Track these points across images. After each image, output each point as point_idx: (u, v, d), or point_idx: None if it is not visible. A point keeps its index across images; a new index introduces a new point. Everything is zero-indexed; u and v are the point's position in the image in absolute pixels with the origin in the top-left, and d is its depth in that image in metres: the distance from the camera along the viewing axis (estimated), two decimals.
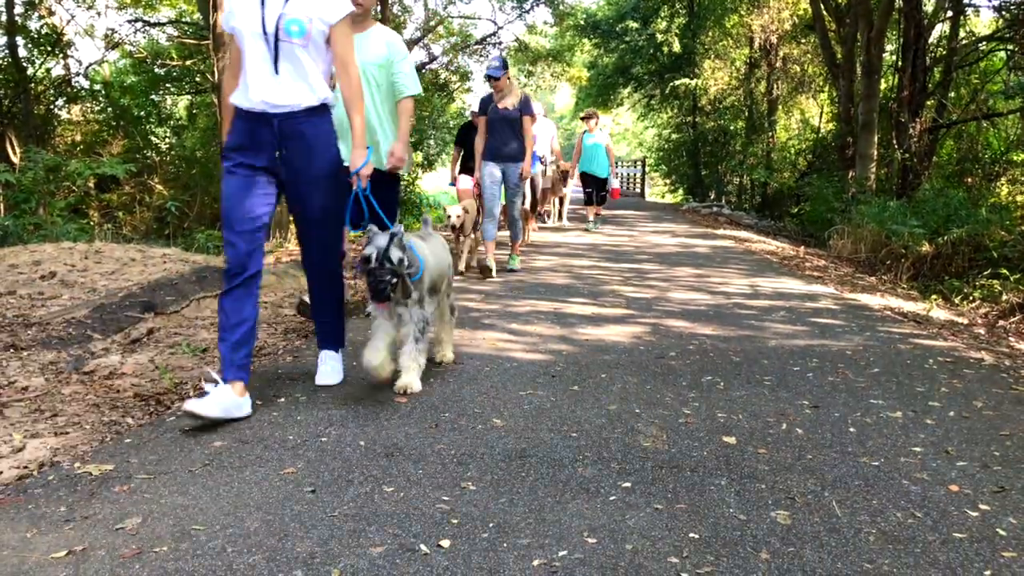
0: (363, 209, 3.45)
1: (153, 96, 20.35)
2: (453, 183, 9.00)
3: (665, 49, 24.33)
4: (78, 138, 18.44)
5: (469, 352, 4.33)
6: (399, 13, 22.27)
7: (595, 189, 12.43)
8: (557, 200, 13.58)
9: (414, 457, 2.77)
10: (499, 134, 7.07)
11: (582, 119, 12.77)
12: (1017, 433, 3.14)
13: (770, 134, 23.44)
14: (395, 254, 3.25)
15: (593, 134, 12.18)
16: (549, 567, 2.04)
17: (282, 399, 3.41)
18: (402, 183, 6.13)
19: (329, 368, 3.67)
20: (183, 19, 21.10)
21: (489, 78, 7.06)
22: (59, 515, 2.30)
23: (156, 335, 4.50)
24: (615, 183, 12.87)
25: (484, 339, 4.66)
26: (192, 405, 2.96)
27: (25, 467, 2.64)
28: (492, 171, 7.13)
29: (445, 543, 2.15)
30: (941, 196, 11.30)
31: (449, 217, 7.26)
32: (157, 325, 4.64)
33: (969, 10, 15.96)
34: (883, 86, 15.62)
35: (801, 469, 2.73)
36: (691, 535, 2.23)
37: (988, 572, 2.05)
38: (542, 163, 12.15)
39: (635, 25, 24.60)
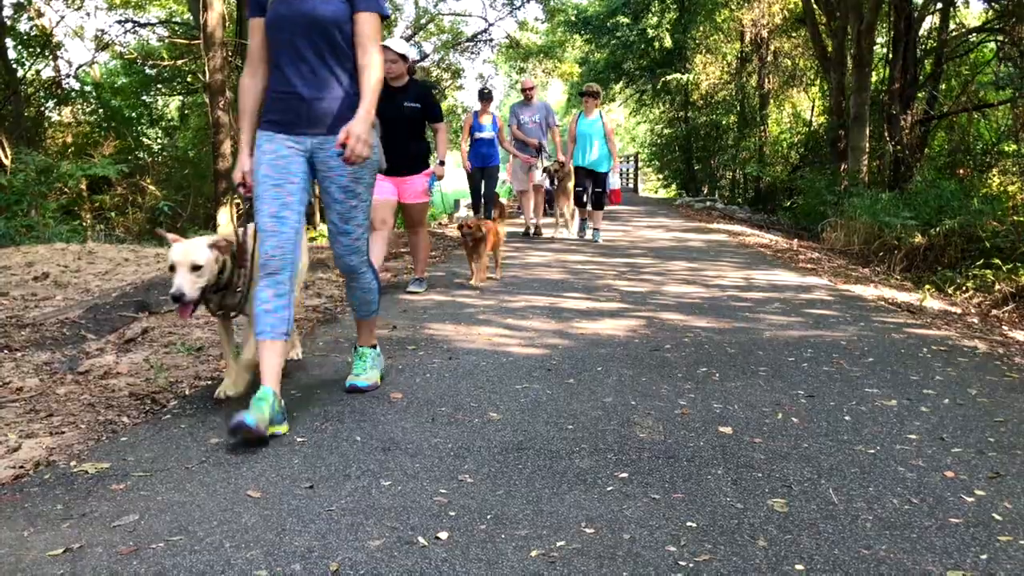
0: None
1: (144, 97, 20.28)
2: None
3: (656, 44, 24.33)
4: (69, 140, 18.37)
5: (465, 347, 4.33)
6: (389, 11, 22.21)
7: (589, 186, 9.85)
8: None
9: (411, 451, 2.77)
10: (297, 57, 3.04)
11: (581, 95, 10.18)
12: (1011, 419, 3.16)
13: (762, 128, 23.51)
14: None
15: (591, 117, 9.71)
16: (547, 557, 2.04)
17: None
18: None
19: None
20: (173, 19, 21.04)
21: None
22: (56, 513, 2.29)
23: (150, 334, 4.48)
24: (616, 182, 10.23)
25: (480, 334, 4.66)
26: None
27: (21, 467, 2.63)
28: (277, 148, 3.05)
29: (443, 535, 2.15)
30: (933, 188, 11.35)
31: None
32: (151, 324, 4.63)
33: (959, 1, 16.02)
34: (874, 79, 15.66)
35: (797, 457, 2.74)
36: (688, 524, 2.23)
37: (984, 556, 2.06)
38: (542, 151, 10.10)
39: (626, 20, 24.60)
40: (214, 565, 1.99)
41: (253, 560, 2.01)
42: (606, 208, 10.65)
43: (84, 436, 2.94)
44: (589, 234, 10.24)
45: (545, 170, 10.14)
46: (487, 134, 9.61)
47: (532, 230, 10.63)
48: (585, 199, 9.97)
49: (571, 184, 10.17)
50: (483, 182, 9.81)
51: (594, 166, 9.72)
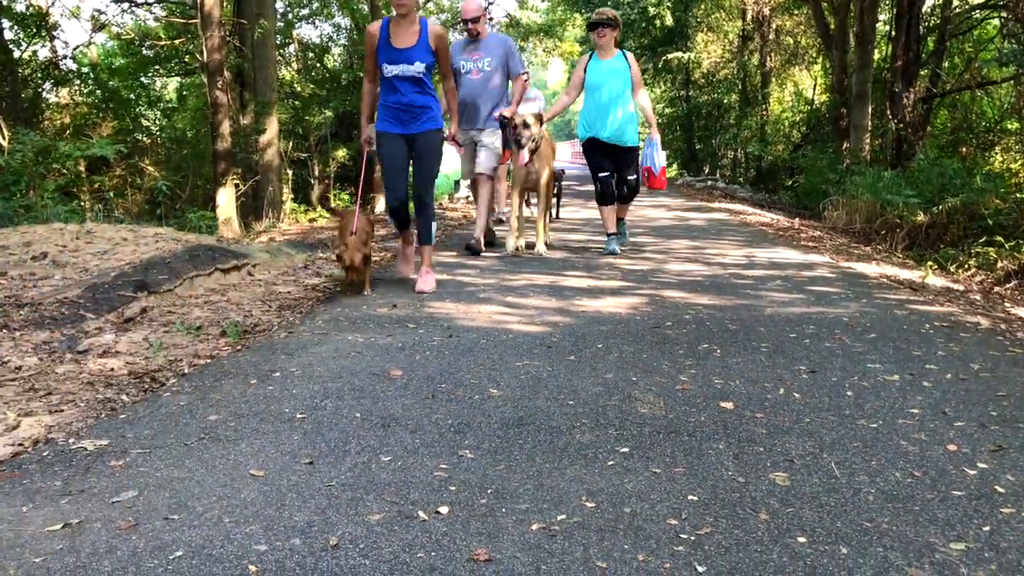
0: None
1: (142, 78, 20.12)
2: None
3: (657, 23, 24.12)
4: (67, 120, 18.26)
5: (465, 325, 4.32)
6: None
7: (615, 171, 6.59)
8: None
9: (411, 427, 2.76)
10: None
11: (590, 28, 6.48)
12: (1014, 393, 3.14)
13: (764, 107, 23.36)
14: None
15: (608, 58, 6.37)
16: (548, 531, 2.03)
17: (277, 373, 3.39)
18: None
19: None
20: None
21: None
22: (54, 489, 2.28)
23: (149, 314, 4.47)
24: (661, 158, 6.72)
25: (480, 312, 4.64)
26: None
27: (20, 444, 2.62)
28: None
29: (444, 509, 2.14)
30: (936, 166, 11.27)
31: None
32: (150, 304, 4.61)
33: None
34: (877, 56, 15.53)
35: (799, 432, 2.73)
36: (690, 497, 2.22)
37: (987, 528, 2.05)
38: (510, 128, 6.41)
39: None
40: (213, 540, 1.98)
41: (252, 535, 2.01)
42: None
43: (83, 414, 2.93)
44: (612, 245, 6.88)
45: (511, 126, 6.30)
46: (413, 68, 4.96)
47: (489, 231, 7.11)
48: (612, 189, 6.65)
49: (536, 168, 6.55)
50: (412, 164, 5.28)
51: (619, 139, 6.51)
